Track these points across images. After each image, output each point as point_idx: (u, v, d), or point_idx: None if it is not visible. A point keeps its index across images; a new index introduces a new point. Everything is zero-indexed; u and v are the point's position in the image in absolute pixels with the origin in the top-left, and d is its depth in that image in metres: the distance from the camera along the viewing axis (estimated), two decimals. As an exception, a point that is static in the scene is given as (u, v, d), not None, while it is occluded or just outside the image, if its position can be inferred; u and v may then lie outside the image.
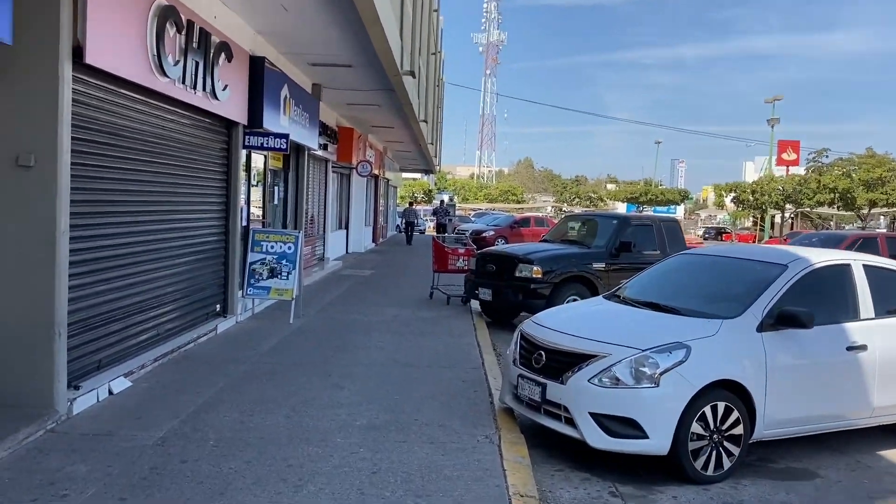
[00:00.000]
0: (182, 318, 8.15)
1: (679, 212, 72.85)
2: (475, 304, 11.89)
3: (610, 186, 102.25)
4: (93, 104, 5.84)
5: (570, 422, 5.14)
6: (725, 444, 5.10)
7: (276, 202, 13.27)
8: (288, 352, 8.05)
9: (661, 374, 4.94)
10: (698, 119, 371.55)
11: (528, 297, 10.33)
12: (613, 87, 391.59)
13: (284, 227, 13.79)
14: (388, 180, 33.77)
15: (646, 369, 4.98)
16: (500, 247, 11.95)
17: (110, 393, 6.01)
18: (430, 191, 71.29)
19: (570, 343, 5.37)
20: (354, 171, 21.29)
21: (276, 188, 13.28)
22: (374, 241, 28.08)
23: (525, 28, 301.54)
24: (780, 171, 50.58)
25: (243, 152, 9.91)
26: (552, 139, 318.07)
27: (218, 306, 9.37)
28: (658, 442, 4.91)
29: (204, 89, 7.82)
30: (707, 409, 5.02)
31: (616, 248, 11.02)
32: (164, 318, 7.61)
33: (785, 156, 56.88)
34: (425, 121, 19.88)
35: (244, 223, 10.98)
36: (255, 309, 10.55)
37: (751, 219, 52.95)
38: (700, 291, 6.22)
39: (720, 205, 52.53)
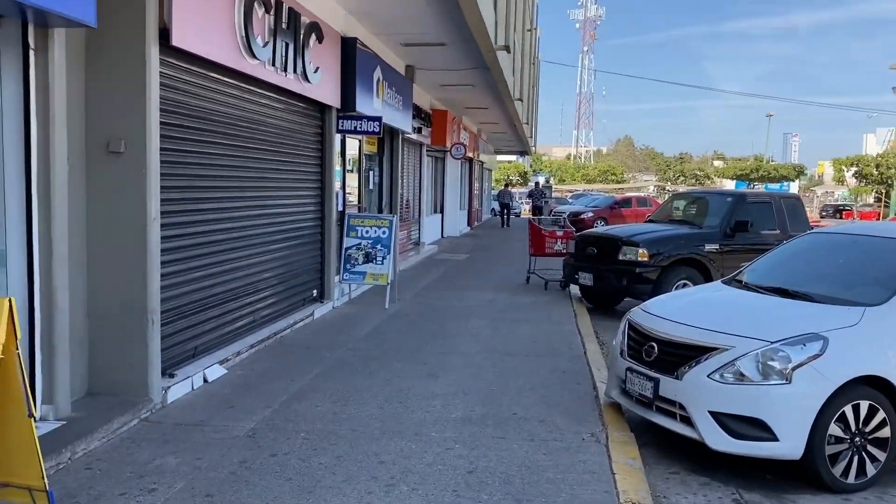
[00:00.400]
0: (278, 304, 8.10)
1: (793, 189, 68.72)
2: (574, 289, 11.37)
3: (717, 163, 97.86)
4: (181, 88, 5.76)
5: (687, 420, 4.64)
6: (869, 448, 4.46)
7: (371, 187, 13.18)
8: (383, 338, 7.86)
9: (794, 369, 4.35)
10: (812, 91, 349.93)
11: (634, 282, 9.72)
12: (719, 60, 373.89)
13: (380, 211, 13.70)
14: (483, 163, 33.41)
15: (775, 364, 4.40)
16: (602, 228, 11.32)
17: (205, 381, 5.97)
18: (526, 173, 70.34)
19: (687, 334, 4.84)
20: (448, 154, 21.04)
21: (370, 173, 13.19)
22: (468, 224, 27.85)
23: (624, 1, 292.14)
24: (906, 143, 46.78)
25: (337, 136, 9.79)
26: (653, 116, 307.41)
27: (314, 292, 9.31)
28: (789, 445, 4.33)
29: (295, 71, 7.68)
30: (847, 409, 4.39)
31: (731, 228, 10.20)
32: (259, 305, 7.57)
33: (912, 126, 52.66)
34: (520, 99, 19.34)
35: (340, 208, 10.91)
36: (352, 294, 10.47)
37: (873, 195, 49.25)
38: (836, 275, 5.51)
39: (840, 180, 48.98)
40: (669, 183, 76.30)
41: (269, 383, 6.02)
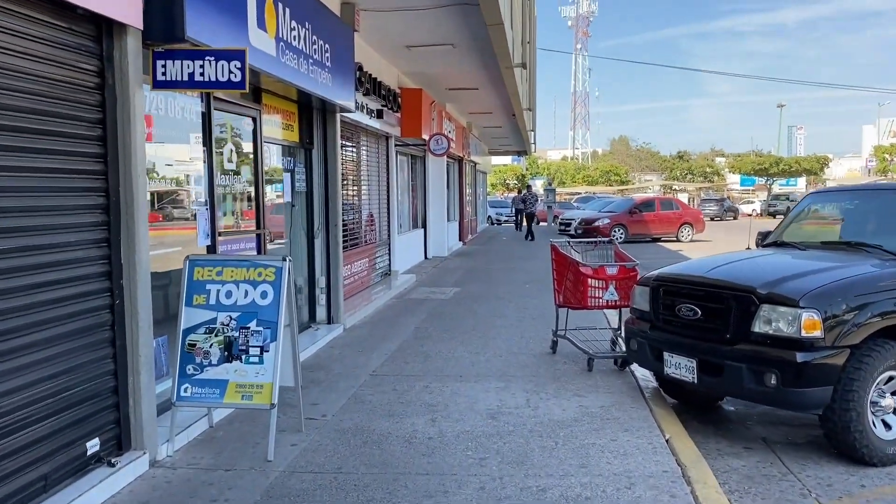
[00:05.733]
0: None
1: (800, 184, 63.54)
2: (641, 369, 6.23)
3: (718, 160, 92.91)
4: None
5: None
6: None
7: (289, 198, 8.10)
8: None
9: None
10: (805, 86, 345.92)
11: (795, 381, 4.56)
12: (709, 58, 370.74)
13: (311, 237, 8.59)
14: (476, 164, 28.20)
15: None
16: (705, 266, 5.84)
17: None
18: (523, 175, 65.10)
19: None
20: (427, 149, 15.90)
21: (289, 176, 8.10)
22: (461, 239, 22.67)
23: (612, 1, 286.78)
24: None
25: (151, 95, 4.67)
26: (647, 116, 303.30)
27: (94, 443, 4.12)
28: None
29: None
30: None
31: (975, 258, 5.09)
32: None
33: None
34: (523, 65, 14.10)
35: (207, 241, 5.91)
36: (215, 418, 5.31)
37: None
38: None
39: (884, 170, 43.87)
40: (676, 182, 71.08)
41: None
